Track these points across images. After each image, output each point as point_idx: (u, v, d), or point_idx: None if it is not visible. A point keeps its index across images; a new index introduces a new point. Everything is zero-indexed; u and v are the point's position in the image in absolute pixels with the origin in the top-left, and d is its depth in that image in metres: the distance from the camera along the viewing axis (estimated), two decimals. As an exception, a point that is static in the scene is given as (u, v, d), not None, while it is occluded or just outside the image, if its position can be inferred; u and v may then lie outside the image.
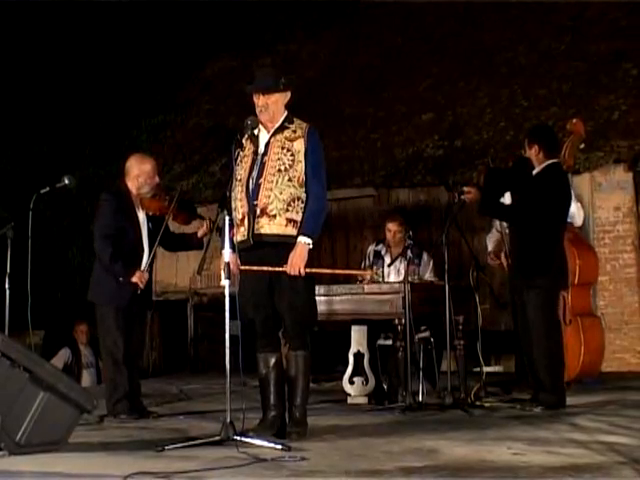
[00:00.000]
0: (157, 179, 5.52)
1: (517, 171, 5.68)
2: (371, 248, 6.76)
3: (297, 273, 4.09)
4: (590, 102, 9.23)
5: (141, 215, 5.46)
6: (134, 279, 5.30)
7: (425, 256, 6.50)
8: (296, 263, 4.09)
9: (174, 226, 5.70)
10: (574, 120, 5.83)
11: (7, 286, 5.33)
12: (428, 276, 6.38)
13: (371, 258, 6.64)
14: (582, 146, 5.85)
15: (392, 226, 6.60)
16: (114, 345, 5.27)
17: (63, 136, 11.90)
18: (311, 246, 4.13)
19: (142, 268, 5.35)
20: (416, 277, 6.17)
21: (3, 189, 11.24)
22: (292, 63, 11.77)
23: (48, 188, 5.52)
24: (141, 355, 5.81)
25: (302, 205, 4.18)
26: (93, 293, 5.43)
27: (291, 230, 4.15)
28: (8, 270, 5.36)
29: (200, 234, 5.53)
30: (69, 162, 11.24)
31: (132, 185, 5.45)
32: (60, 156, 11.53)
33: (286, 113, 4.31)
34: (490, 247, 6.64)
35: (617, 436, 3.97)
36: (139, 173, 5.44)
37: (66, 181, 5.50)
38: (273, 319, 4.25)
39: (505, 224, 6.30)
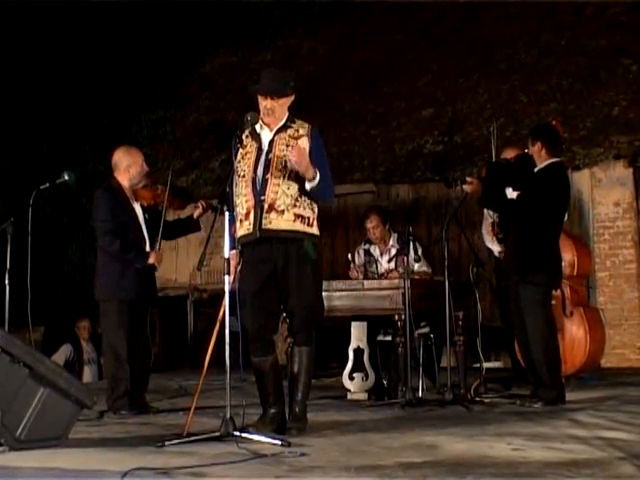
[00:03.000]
0: (146, 167, 5.51)
1: (519, 167, 5.69)
2: (359, 248, 6.59)
3: (300, 157, 4.02)
4: (590, 98, 9.23)
5: (137, 207, 5.46)
6: (151, 260, 5.33)
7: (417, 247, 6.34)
8: (301, 155, 4.03)
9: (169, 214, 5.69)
10: (553, 122, 5.87)
11: (7, 282, 5.33)
12: (421, 265, 6.25)
13: (362, 258, 6.48)
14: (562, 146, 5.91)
15: (368, 223, 6.42)
16: (117, 341, 5.26)
17: (63, 132, 11.87)
18: (316, 179, 4.07)
19: (156, 249, 5.38)
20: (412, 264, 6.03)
21: (3, 185, 11.22)
22: (292, 59, 11.75)
23: (48, 184, 5.51)
24: (143, 352, 5.75)
25: (309, 201, 4.19)
26: (96, 289, 5.42)
27: (300, 225, 4.16)
28: (8, 266, 5.36)
29: (196, 215, 5.54)
30: (69, 158, 11.23)
31: (123, 178, 5.43)
32: (60, 152, 11.51)
33: (287, 113, 4.31)
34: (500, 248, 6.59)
35: (617, 432, 3.97)
36: (128, 164, 5.43)
37: (66, 177, 5.50)
38: (270, 324, 4.24)
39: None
